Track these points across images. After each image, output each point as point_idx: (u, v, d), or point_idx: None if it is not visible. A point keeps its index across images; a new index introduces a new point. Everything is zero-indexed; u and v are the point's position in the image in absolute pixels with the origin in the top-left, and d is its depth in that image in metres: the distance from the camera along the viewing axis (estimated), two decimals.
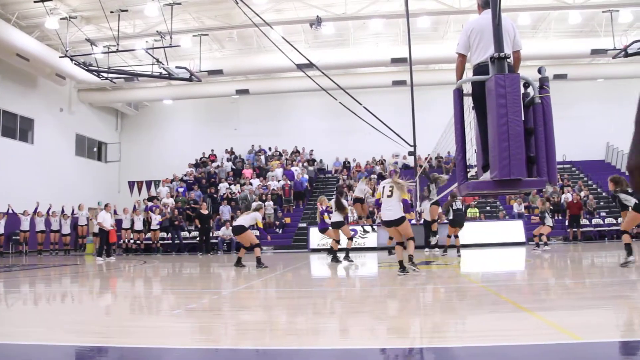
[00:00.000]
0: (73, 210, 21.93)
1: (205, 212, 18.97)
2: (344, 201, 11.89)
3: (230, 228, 11.54)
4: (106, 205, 16.62)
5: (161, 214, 20.95)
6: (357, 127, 24.69)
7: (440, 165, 25.57)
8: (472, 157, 5.41)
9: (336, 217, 11.64)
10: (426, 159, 23.12)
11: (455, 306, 5.31)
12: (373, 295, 6.42)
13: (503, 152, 4.23)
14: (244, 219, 11.05)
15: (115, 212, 17.65)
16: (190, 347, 3.78)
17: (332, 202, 12.12)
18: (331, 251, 12.18)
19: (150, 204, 22.55)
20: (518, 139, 4.20)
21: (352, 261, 11.38)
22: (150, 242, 20.91)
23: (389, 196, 8.60)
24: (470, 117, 5.35)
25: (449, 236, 14.59)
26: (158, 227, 20.50)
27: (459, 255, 13.39)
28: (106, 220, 15.99)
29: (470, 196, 8.26)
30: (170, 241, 21.00)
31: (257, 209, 11.34)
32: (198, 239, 19.65)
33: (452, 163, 25.02)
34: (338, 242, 12.09)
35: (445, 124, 8.98)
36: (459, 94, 5.06)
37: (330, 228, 12.09)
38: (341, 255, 12.25)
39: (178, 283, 8.91)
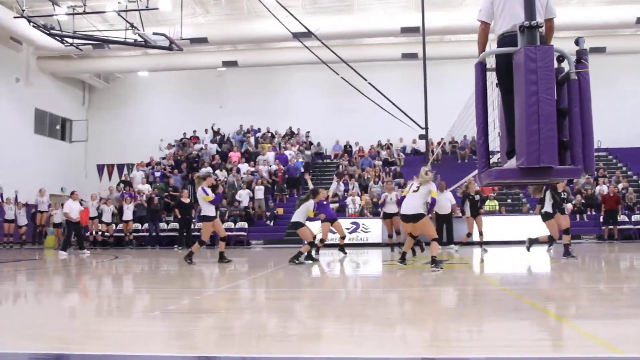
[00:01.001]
0: (17, 198, 21.52)
1: (187, 200, 18.88)
2: (311, 202, 11.79)
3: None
4: (72, 193, 16.56)
5: (136, 202, 20.92)
6: (361, 106, 24.63)
7: (454, 151, 25.58)
8: (494, 141, 5.38)
9: (297, 216, 11.51)
10: (439, 143, 23.17)
11: (471, 311, 5.30)
12: (377, 298, 6.42)
13: (532, 136, 4.19)
14: (300, 212, 11.34)
15: (81, 201, 17.49)
16: (167, 354, 3.76)
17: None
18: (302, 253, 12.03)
19: (123, 190, 22.50)
20: (550, 120, 4.15)
21: (297, 263, 11.13)
22: (122, 234, 20.90)
23: (414, 191, 9.62)
24: (493, 95, 5.30)
25: (469, 234, 14.72)
26: (131, 217, 20.46)
27: (486, 251, 14.20)
28: (73, 210, 15.95)
29: (491, 186, 8.23)
30: (146, 233, 20.98)
31: (305, 200, 11.48)
32: (178, 231, 19.63)
33: (468, 149, 25.02)
34: (311, 242, 11.88)
35: (462, 104, 8.94)
36: (481, 69, 5.01)
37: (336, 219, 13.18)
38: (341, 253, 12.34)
39: (155, 281, 8.90)
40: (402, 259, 10.09)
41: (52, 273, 10.75)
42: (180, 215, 18.96)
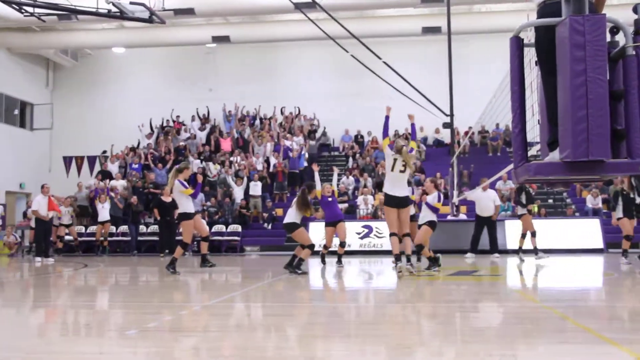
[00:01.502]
0: None
1: (169, 199, 18.79)
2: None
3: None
4: (43, 187, 16.60)
5: (111, 200, 20.80)
6: (375, 90, 24.67)
7: (485, 142, 25.54)
8: (533, 130, 5.34)
9: (291, 216, 11.33)
10: (466, 133, 23.10)
11: (505, 332, 5.27)
12: (392, 315, 6.40)
13: (579, 124, 4.14)
14: (295, 211, 11.24)
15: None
16: None
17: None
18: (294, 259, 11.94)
19: (98, 185, 22.40)
20: (601, 105, 4.10)
21: (298, 272, 11.10)
22: (93, 238, 20.92)
23: (401, 171, 10.26)
24: (532, 75, 5.26)
25: (524, 235, 14.82)
26: (108, 218, 20.43)
27: (540, 257, 14.24)
28: (42, 206, 16.01)
29: (529, 183, 8.19)
30: (121, 238, 20.99)
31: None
32: (158, 235, 19.61)
33: (501, 140, 24.98)
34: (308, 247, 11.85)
35: (494, 87, 8.90)
36: (517, 44, 4.96)
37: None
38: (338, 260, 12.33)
39: (132, 294, 8.90)
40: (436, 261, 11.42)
41: (7, 285, 10.77)
42: (160, 216, 18.95)
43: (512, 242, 17.76)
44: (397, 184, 10.32)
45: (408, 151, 10.41)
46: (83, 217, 22.47)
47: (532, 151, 5.61)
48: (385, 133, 10.89)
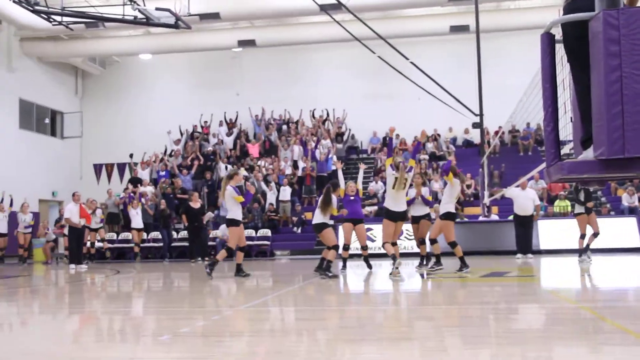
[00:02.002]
0: (12, 203, 21.26)
1: (197, 204, 19.02)
2: (333, 198, 11.83)
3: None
4: (74, 195, 16.82)
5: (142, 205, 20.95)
6: (402, 91, 24.64)
7: (515, 141, 25.31)
8: (565, 128, 5.28)
9: (318, 216, 11.51)
10: (496, 132, 22.93)
11: (541, 333, 5.22)
12: (424, 317, 6.37)
13: (614, 121, 4.08)
14: (319, 212, 11.44)
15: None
16: None
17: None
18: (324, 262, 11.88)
19: (131, 192, 22.58)
20: (637, 101, 4.04)
21: (328, 275, 11.12)
22: (125, 245, 21.13)
23: (402, 189, 10.90)
24: (564, 72, 5.20)
25: (583, 235, 14.12)
26: (142, 225, 20.42)
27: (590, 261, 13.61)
28: (74, 214, 16.23)
29: (562, 182, 8.11)
30: (152, 244, 21.12)
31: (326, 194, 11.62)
32: (188, 241, 19.74)
33: (532, 139, 24.73)
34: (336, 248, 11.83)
35: (524, 85, 8.83)
36: (548, 40, 4.91)
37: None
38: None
39: (165, 299, 8.98)
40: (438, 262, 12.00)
41: (43, 292, 10.93)
42: (189, 222, 19.05)
43: (545, 243, 17.62)
44: (398, 200, 10.94)
45: (407, 170, 11.02)
46: (113, 224, 22.70)
47: (565, 150, 5.56)
48: (390, 154, 11.69)
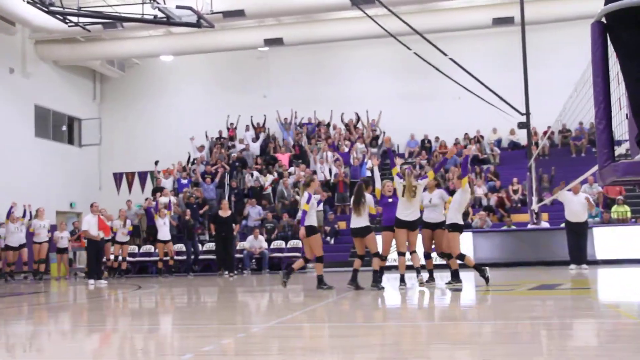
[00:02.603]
0: (25, 214, 20.92)
1: (227, 213, 18.94)
2: (368, 196, 11.45)
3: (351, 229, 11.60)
4: (92, 206, 17.01)
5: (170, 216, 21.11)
6: (441, 90, 24.54)
7: (567, 142, 25.00)
8: (620, 126, 5.20)
9: (357, 219, 11.31)
10: (545, 133, 22.68)
11: (598, 351, 5.13)
12: (471, 333, 6.30)
13: None
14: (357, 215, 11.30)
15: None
16: None
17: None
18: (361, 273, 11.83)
19: (153, 202, 22.75)
20: None
21: (380, 287, 11.11)
22: (147, 259, 21.29)
23: (412, 197, 11.07)
24: (619, 65, 5.12)
25: None
26: (169, 237, 20.11)
27: None
28: (92, 226, 16.43)
29: (618, 185, 7.98)
30: (177, 257, 21.16)
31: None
32: (215, 253, 19.73)
33: (585, 139, 24.40)
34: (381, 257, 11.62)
35: (575, 81, 8.73)
36: (599, 30, 4.83)
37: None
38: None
39: (188, 316, 9.03)
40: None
41: (61, 309, 11.07)
42: (216, 232, 19.04)
43: (601, 252, 17.34)
44: (409, 209, 11.08)
45: (420, 178, 11.42)
46: (134, 236, 22.86)
47: (622, 150, 5.47)
48: (393, 164, 11.70)
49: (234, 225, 19.19)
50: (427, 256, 12.06)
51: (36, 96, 26.60)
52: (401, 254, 11.26)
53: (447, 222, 11.26)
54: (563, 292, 10.49)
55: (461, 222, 11.28)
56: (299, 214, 11.75)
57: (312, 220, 11.51)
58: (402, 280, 11.17)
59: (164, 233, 19.85)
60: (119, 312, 10.04)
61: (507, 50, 24.10)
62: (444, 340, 6.00)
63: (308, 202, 11.36)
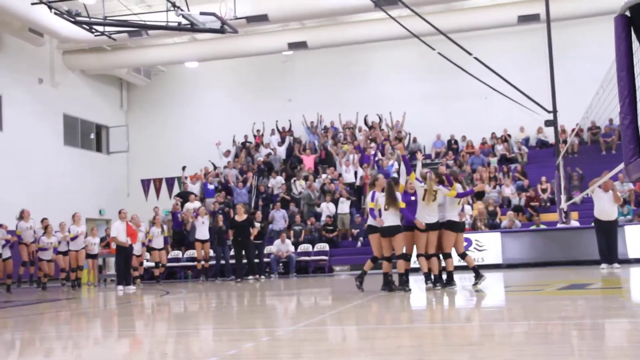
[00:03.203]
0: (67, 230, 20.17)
1: (242, 217, 18.72)
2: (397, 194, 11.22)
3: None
4: (120, 212, 17.15)
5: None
6: (466, 89, 24.39)
7: (596, 139, 24.70)
8: None
9: (390, 217, 11.05)
10: (573, 130, 22.42)
11: (631, 353, 5.04)
12: (499, 334, 6.24)
13: None
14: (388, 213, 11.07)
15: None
16: None
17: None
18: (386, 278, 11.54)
19: (179, 208, 22.78)
20: None
21: (407, 290, 11.05)
22: (175, 264, 21.37)
23: (433, 200, 11.00)
24: None
25: None
26: (208, 236, 19.84)
27: None
28: (121, 232, 16.57)
29: None
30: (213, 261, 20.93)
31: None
32: (235, 258, 19.40)
33: (616, 136, 24.09)
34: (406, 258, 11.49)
35: (601, 76, 8.62)
36: (623, 24, 4.78)
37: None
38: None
39: (214, 320, 9.05)
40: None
41: (91, 314, 11.17)
42: (234, 236, 18.82)
43: (634, 251, 17.10)
44: (429, 212, 11.00)
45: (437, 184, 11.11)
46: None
47: None
48: (409, 170, 11.22)
49: (251, 229, 18.91)
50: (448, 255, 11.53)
51: (65, 105, 26.98)
52: (420, 255, 11.15)
53: (444, 220, 11.18)
54: (594, 292, 10.35)
55: (457, 220, 11.20)
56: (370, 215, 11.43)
57: (372, 220, 11.27)
58: (429, 278, 11.10)
59: (202, 233, 19.82)
60: (147, 317, 10.09)
61: (532, 47, 23.89)
62: (473, 342, 5.94)
63: (372, 199, 11.32)
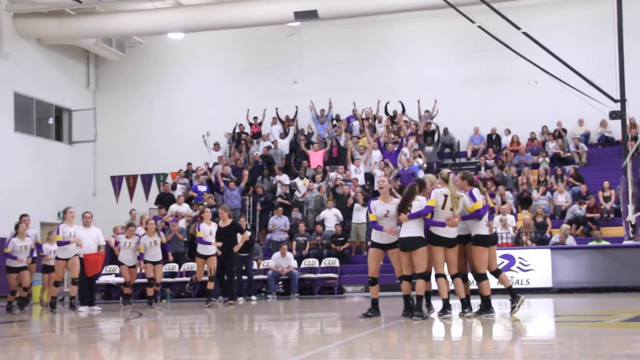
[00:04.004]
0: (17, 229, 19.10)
1: (227, 222, 17.81)
2: (422, 199, 11.03)
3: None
4: (83, 216, 17.07)
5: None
6: (513, 72, 24.31)
7: None
8: None
9: (410, 227, 10.94)
10: None
11: None
12: None
13: None
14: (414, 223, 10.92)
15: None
16: None
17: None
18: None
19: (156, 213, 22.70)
20: None
21: (425, 317, 11.03)
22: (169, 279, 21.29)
23: (452, 209, 10.88)
24: None
25: None
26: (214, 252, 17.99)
27: None
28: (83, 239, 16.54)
29: None
30: (185, 277, 21.10)
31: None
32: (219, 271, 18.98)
33: None
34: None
35: None
36: None
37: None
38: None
39: (202, 349, 8.99)
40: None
41: (50, 342, 11.13)
42: (221, 246, 17.41)
43: None
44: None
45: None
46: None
47: None
48: (425, 212, 10.93)
49: (239, 236, 17.50)
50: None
51: (16, 82, 26.63)
52: (439, 275, 11.09)
53: (473, 234, 11.13)
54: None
55: (487, 234, 11.13)
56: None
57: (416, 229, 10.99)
58: (447, 306, 11.05)
59: (206, 247, 17.49)
60: (116, 346, 10.03)
61: (596, 20, 23.69)
62: None
63: (371, 210, 11.37)
